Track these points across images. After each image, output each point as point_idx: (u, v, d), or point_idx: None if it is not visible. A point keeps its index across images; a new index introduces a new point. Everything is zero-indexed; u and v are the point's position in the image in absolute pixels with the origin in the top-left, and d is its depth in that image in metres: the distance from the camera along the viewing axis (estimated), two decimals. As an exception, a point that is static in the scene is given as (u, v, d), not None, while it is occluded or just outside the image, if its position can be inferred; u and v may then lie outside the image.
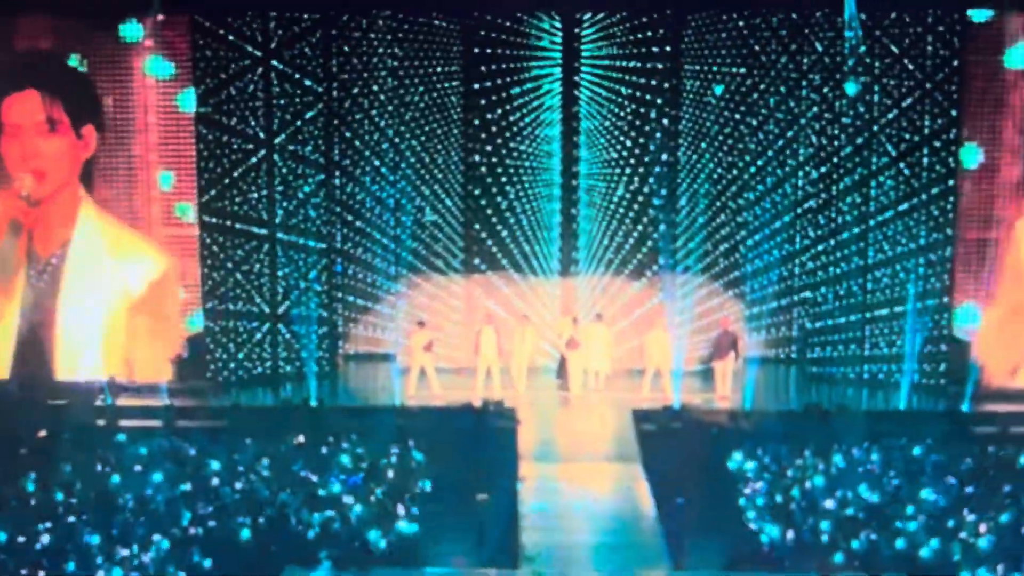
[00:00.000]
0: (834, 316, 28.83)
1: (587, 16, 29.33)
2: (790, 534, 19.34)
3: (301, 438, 22.90)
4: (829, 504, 20.07)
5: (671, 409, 25.33)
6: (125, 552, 18.28)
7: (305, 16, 28.16)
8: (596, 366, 28.36)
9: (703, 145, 29.48)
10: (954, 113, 27.28)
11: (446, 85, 29.58)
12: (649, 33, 29.29)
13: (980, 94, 27.69)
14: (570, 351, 28.13)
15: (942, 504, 19.95)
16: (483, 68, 29.52)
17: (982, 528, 19.03)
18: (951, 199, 27.36)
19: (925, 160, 27.60)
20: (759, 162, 29.33)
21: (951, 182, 27.36)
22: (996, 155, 27.96)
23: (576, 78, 29.64)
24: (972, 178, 27.81)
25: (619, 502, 21.58)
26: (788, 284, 29.62)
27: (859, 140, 28.17)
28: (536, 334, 29.07)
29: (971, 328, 28.12)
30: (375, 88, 29.25)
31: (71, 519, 19.31)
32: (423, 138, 29.62)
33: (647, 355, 27.85)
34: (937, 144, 27.45)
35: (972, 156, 27.76)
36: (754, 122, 29.19)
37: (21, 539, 18.62)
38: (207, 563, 18.33)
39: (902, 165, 27.80)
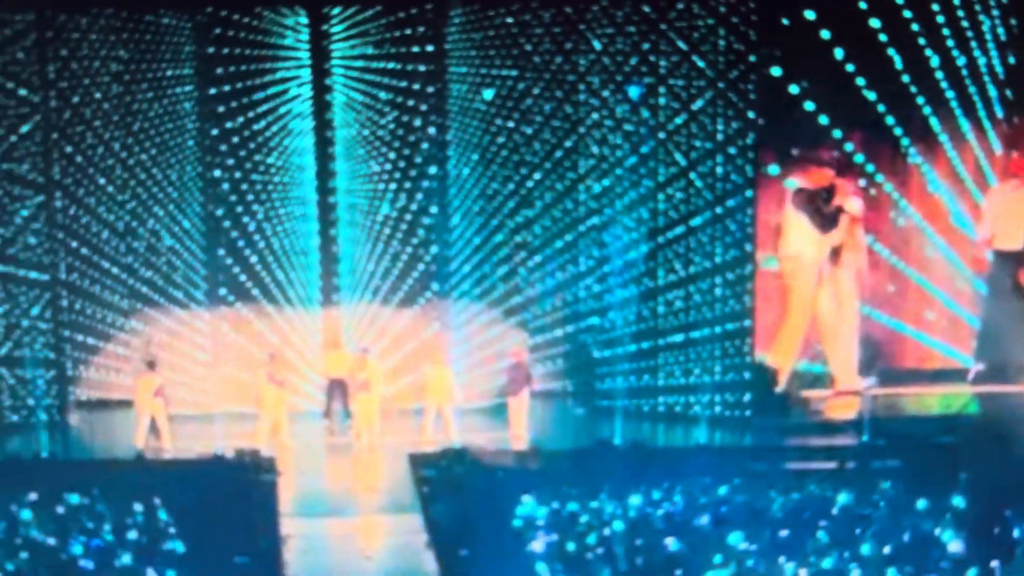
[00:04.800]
0: (624, 343, 28.81)
1: (336, 11, 29.07)
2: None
3: (34, 496, 22.19)
4: (630, 552, 19.70)
5: (453, 451, 25.11)
6: None
7: (17, 17, 27.61)
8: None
9: (475, 157, 29.66)
10: (751, 115, 27.04)
11: (179, 91, 29.16)
12: (408, 31, 29.30)
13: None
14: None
15: (754, 549, 19.52)
16: (220, 70, 29.09)
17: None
18: (749, 212, 27.10)
19: (719, 170, 27.49)
20: (536, 175, 29.44)
21: (748, 193, 27.13)
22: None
23: (328, 81, 29.44)
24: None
25: (395, 558, 21.38)
26: (574, 309, 29.62)
27: (644, 149, 28.21)
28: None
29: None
30: (98, 96, 28.73)
31: None
32: (155, 152, 29.13)
33: (426, 392, 27.48)
34: (732, 151, 27.32)
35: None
36: (529, 131, 29.32)
37: None
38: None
39: (693, 176, 27.76)
